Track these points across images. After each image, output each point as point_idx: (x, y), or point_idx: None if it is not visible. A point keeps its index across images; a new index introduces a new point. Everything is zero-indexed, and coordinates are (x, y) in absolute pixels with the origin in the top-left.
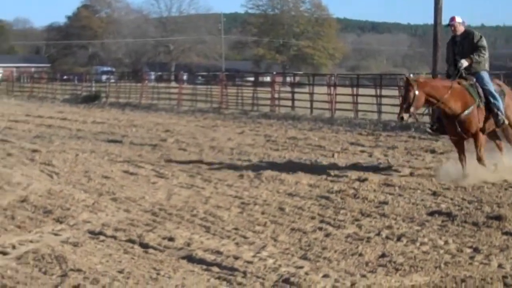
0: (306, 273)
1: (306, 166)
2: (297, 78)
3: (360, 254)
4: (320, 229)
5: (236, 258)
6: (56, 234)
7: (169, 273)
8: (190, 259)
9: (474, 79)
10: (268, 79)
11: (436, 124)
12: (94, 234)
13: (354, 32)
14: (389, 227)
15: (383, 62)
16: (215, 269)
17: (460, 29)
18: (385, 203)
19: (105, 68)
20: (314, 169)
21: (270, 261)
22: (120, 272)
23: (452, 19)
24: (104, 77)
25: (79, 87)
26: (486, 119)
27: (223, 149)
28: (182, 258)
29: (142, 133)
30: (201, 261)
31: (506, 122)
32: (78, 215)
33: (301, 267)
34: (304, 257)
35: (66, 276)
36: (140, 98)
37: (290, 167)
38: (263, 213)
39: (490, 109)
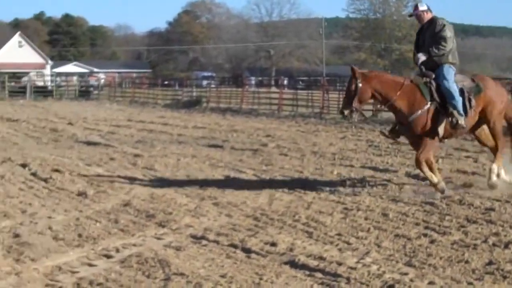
0: (411, 280)
1: (409, 171)
2: None
3: (466, 261)
4: (425, 235)
5: (339, 264)
6: (159, 238)
7: (272, 278)
8: (293, 264)
9: (433, 75)
10: None
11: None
12: (196, 238)
13: (458, 36)
14: (496, 234)
15: (487, 66)
16: (318, 274)
17: (427, 17)
18: (492, 209)
19: (206, 73)
20: (418, 174)
21: (374, 267)
22: (223, 276)
23: (415, 8)
24: (204, 82)
25: (180, 92)
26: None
27: (324, 154)
28: (285, 263)
29: (243, 138)
30: (303, 267)
31: (462, 123)
32: (180, 220)
33: (406, 274)
34: (408, 264)
35: (169, 280)
36: (240, 103)
37: (393, 172)
38: (366, 218)
39: (446, 109)
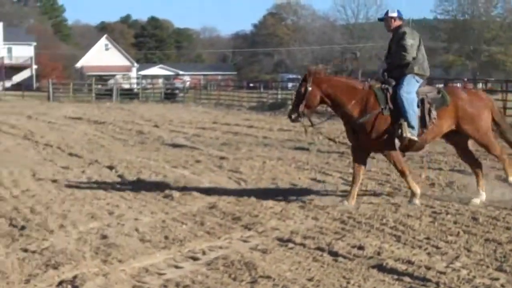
0: (502, 286)
1: (499, 175)
2: (489, 85)
3: None
4: None
5: (428, 268)
6: (245, 241)
7: (359, 282)
8: (381, 268)
9: (393, 83)
10: (458, 85)
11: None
12: (282, 241)
13: None
14: None
15: None
16: (407, 279)
17: (394, 24)
18: None
19: (291, 76)
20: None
21: (464, 272)
22: (310, 280)
23: (386, 13)
24: (290, 85)
25: (265, 95)
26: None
27: (412, 157)
28: (372, 267)
29: None
30: (392, 271)
31: (410, 136)
32: (266, 222)
33: (497, 279)
34: (499, 269)
35: (255, 283)
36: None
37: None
38: (455, 222)
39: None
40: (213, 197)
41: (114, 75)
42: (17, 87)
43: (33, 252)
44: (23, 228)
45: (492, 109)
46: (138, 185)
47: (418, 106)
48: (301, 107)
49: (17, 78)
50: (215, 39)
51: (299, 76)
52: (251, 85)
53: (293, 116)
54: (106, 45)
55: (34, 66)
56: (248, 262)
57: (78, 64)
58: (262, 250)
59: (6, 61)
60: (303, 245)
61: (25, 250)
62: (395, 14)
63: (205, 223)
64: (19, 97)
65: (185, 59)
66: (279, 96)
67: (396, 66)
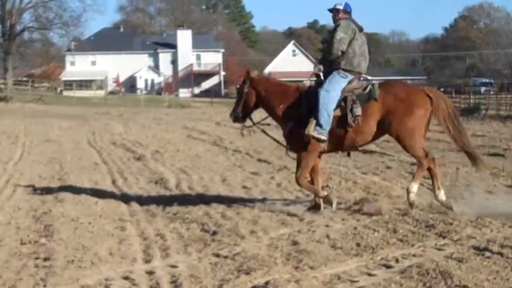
0: None
1: None
2: None
3: None
4: None
5: None
6: (439, 249)
7: None
8: None
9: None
10: None
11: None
12: (479, 250)
13: None
14: None
15: None
16: None
17: (338, 18)
18: None
19: (484, 80)
20: None
21: None
22: None
23: (334, 5)
24: (482, 89)
25: (457, 99)
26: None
27: None
28: None
29: None
30: None
31: (317, 135)
32: (461, 230)
33: None
34: None
35: None
36: None
37: None
38: None
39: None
40: (405, 204)
41: (301, 81)
42: (206, 93)
43: (225, 257)
44: (214, 233)
45: (437, 111)
46: (328, 191)
47: (340, 105)
48: (239, 108)
49: (206, 84)
50: (404, 43)
51: (492, 81)
52: (442, 89)
53: (232, 116)
54: (294, 51)
55: (222, 73)
56: (444, 271)
57: (266, 70)
58: (457, 259)
59: (195, 68)
60: (501, 254)
61: (217, 255)
62: (341, 7)
63: (398, 230)
64: (207, 104)
65: (374, 63)
66: (472, 101)
67: (326, 61)
